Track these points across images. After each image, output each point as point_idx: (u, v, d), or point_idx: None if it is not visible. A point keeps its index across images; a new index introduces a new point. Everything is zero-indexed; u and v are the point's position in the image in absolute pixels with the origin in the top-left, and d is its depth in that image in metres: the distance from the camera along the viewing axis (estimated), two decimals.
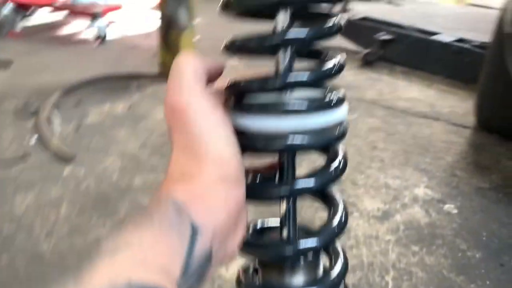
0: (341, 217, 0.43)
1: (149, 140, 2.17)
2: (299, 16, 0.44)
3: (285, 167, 0.43)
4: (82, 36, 4.15)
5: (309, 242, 0.41)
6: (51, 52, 3.55)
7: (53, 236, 1.52)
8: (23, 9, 4.54)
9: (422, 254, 1.52)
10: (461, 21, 5.51)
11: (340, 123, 0.43)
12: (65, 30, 4.34)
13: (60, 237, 1.52)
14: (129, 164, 1.96)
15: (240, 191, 0.38)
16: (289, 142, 0.39)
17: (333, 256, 0.46)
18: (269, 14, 0.43)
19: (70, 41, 3.99)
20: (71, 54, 3.55)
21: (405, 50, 3.40)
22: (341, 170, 0.43)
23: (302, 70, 0.41)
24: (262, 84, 0.41)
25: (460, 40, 3.26)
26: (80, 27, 4.38)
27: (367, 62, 3.46)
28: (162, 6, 2.92)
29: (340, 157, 0.44)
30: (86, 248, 1.47)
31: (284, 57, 0.41)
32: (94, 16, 3.83)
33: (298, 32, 0.41)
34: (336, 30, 0.42)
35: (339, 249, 0.47)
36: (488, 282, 1.41)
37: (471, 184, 1.95)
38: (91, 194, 1.76)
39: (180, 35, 2.91)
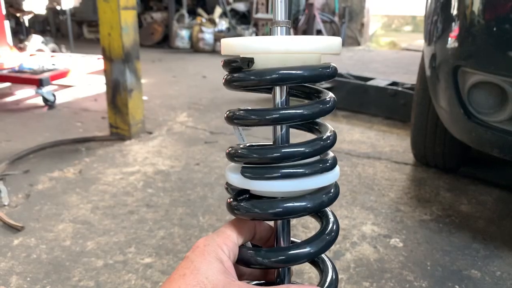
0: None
1: (101, 203, 2.17)
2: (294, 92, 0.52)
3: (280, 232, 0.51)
4: (30, 102, 4.14)
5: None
6: None
7: None
8: None
9: None
10: (395, 65, 5.92)
11: (333, 185, 0.50)
12: (11, 98, 4.31)
13: None
14: (81, 229, 1.95)
15: None
16: (290, 205, 0.46)
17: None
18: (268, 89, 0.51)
19: (17, 109, 3.95)
20: (19, 122, 3.52)
21: (345, 96, 3.61)
22: (336, 235, 0.50)
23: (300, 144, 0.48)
24: (265, 156, 0.47)
25: (394, 84, 3.52)
26: (27, 94, 4.36)
27: None
28: (107, 72, 2.99)
29: (333, 220, 0.51)
30: None
31: (281, 130, 0.49)
32: (41, 83, 3.84)
33: (295, 110, 0.48)
34: (331, 108, 0.49)
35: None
36: None
37: (414, 217, 2.06)
38: (43, 262, 1.73)
39: (128, 97, 2.98)
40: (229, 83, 0.50)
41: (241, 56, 0.48)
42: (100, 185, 2.37)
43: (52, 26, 9.55)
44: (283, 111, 0.47)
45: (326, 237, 0.48)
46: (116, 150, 2.87)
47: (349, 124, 3.42)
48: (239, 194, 0.50)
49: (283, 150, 0.47)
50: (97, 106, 3.92)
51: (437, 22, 2.07)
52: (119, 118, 3.05)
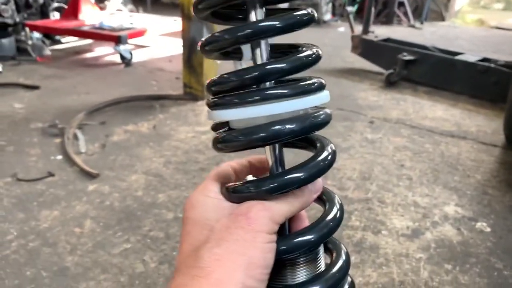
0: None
1: (173, 158, 2.17)
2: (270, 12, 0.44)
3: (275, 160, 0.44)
4: (108, 59, 4.25)
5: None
6: (77, 75, 3.63)
7: (77, 250, 1.51)
8: (51, 35, 4.69)
9: (455, 273, 1.46)
10: (483, 44, 5.47)
11: (322, 109, 0.43)
12: (91, 54, 4.45)
13: (84, 251, 1.51)
14: (153, 181, 1.95)
15: None
16: (276, 128, 0.39)
17: (334, 252, 0.45)
18: (239, 16, 0.44)
19: (96, 64, 4.08)
20: (97, 77, 3.62)
21: (429, 70, 3.37)
22: (333, 161, 0.43)
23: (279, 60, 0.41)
24: (243, 77, 0.41)
25: (485, 60, 3.22)
26: (105, 51, 4.49)
27: (390, 83, 3.43)
28: (184, 31, 2.97)
29: (329, 148, 0.43)
30: (110, 261, 1.46)
31: (260, 48, 0.42)
32: (120, 40, 3.92)
33: (272, 21, 0.41)
34: (309, 19, 0.42)
35: (341, 245, 0.46)
36: None
37: (504, 203, 1.88)
38: (115, 210, 1.75)
39: (203, 57, 2.94)
40: (203, 47, 0.44)
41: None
42: (172, 141, 2.37)
43: None
44: (258, 24, 0.41)
45: (320, 163, 0.42)
46: (189, 109, 2.87)
47: (431, 100, 3.19)
48: (218, 128, 0.45)
49: (260, 68, 0.41)
50: (171, 67, 3.94)
51: None
52: (194, 78, 3.03)
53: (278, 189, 0.40)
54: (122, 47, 3.94)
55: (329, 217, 0.43)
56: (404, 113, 2.91)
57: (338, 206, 0.44)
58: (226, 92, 0.42)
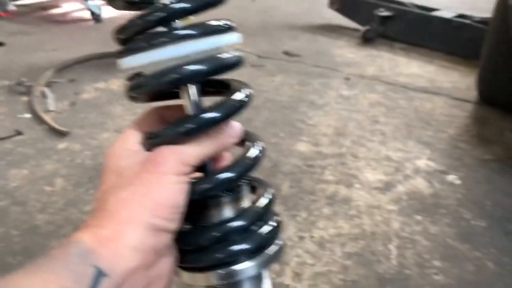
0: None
1: None
2: None
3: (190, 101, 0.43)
4: (76, 15, 4.08)
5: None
6: (44, 31, 3.48)
7: (48, 209, 1.49)
8: None
9: (425, 224, 1.49)
10: (460, 0, 5.45)
11: (234, 51, 0.43)
12: (58, 10, 4.26)
13: (55, 209, 1.48)
14: None
15: (159, 239, 0.37)
16: (185, 69, 0.39)
17: (259, 191, 0.47)
18: None
19: (64, 20, 3.91)
20: (65, 34, 3.48)
21: (405, 27, 3.34)
22: (247, 102, 0.44)
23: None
24: (148, 19, 0.40)
25: (461, 16, 3.21)
26: (74, 7, 4.30)
27: (367, 39, 3.40)
28: None
29: (242, 91, 0.44)
30: (82, 218, 1.44)
31: None
32: None
33: None
34: None
35: (266, 184, 0.48)
36: (492, 250, 1.38)
37: (474, 156, 1.91)
38: (87, 168, 1.72)
39: None
40: None
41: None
42: None
43: None
44: None
45: (230, 104, 0.43)
46: None
47: (407, 57, 3.18)
48: (131, 78, 0.45)
49: (163, 8, 0.40)
50: None
51: None
52: None
53: (187, 133, 0.40)
54: (91, 2, 3.78)
55: (245, 156, 0.44)
56: (379, 69, 2.90)
57: (256, 147, 0.45)
58: (132, 38, 0.41)
